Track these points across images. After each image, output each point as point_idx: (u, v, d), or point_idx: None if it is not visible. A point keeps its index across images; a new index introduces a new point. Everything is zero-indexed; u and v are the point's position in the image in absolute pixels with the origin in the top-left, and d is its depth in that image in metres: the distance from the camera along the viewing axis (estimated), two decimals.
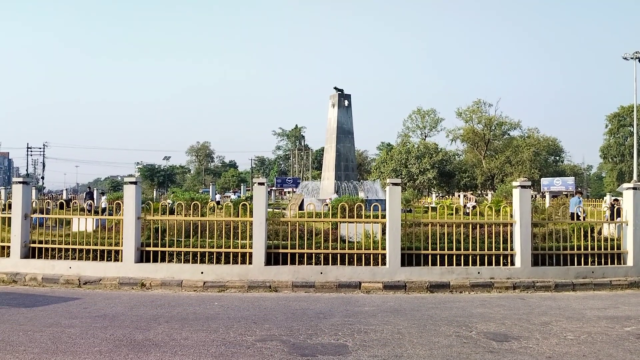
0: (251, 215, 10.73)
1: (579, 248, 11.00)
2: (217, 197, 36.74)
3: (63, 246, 11.04)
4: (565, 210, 16.40)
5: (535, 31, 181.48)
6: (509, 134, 73.25)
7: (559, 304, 9.06)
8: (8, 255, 11.15)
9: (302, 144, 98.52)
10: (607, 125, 71.81)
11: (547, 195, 38.13)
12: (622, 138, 70.40)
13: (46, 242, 11.16)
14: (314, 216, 11.25)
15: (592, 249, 11.08)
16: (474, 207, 13.05)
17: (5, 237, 11.33)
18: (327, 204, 13.39)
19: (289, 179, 71.76)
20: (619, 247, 11.26)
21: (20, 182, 11.38)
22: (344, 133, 30.36)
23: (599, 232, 11.88)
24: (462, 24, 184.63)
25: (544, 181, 56.64)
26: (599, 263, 11.04)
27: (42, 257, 11.07)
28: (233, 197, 35.45)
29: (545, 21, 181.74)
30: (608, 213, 14.07)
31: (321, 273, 10.40)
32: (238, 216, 11.09)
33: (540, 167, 66.33)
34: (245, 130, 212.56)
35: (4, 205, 12.32)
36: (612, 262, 11.14)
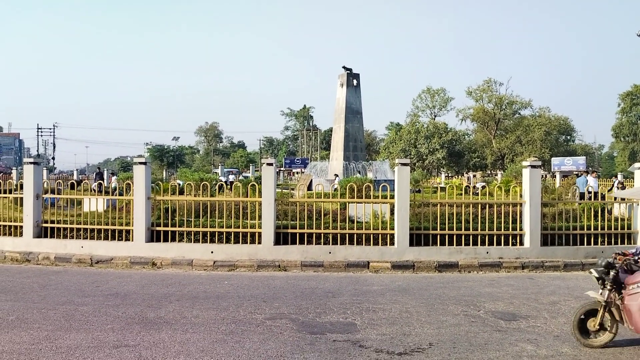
0: (260, 196, 10.77)
1: (588, 228, 10.96)
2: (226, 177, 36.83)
3: (75, 226, 11.17)
4: (575, 190, 16.30)
5: (546, 9, 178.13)
6: (519, 113, 72.27)
7: (568, 283, 9.06)
8: (21, 234, 11.32)
9: (311, 124, 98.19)
10: (619, 104, 70.60)
11: (558, 175, 37.81)
12: (634, 117, 69.23)
13: (58, 222, 11.31)
14: (322, 196, 11.28)
15: (602, 228, 11.03)
16: (483, 187, 13.03)
17: (18, 217, 11.50)
18: (334, 184, 13.41)
19: (297, 160, 71.77)
20: (629, 227, 11.20)
21: (31, 163, 11.49)
22: (353, 113, 30.13)
23: (609, 212, 11.81)
24: (471, 1, 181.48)
25: (555, 161, 56.16)
26: (609, 243, 11.00)
27: (54, 237, 11.23)
28: (231, 177, 35.00)
29: None
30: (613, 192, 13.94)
31: (330, 253, 10.46)
32: (247, 196, 11.14)
33: (551, 147, 65.57)
34: (254, 110, 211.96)
35: (16, 185, 12.46)
36: (622, 242, 11.09)
